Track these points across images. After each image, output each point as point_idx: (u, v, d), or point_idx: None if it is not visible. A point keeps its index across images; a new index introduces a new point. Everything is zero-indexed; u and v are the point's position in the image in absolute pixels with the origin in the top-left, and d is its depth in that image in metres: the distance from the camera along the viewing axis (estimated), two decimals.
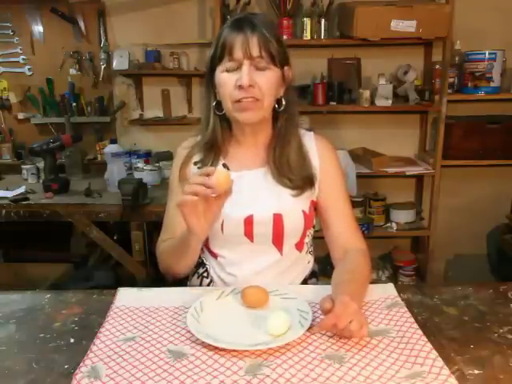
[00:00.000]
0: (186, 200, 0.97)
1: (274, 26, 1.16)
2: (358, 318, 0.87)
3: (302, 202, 1.18)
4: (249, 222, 1.16)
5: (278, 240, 1.18)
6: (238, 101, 1.10)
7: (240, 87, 1.08)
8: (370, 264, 1.16)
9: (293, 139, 1.19)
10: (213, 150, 1.21)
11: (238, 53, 1.07)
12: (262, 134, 1.21)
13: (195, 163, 1.23)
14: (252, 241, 1.17)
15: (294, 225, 1.18)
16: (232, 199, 1.16)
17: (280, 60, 1.12)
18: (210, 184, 0.94)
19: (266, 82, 1.10)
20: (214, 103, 1.17)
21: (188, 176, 1.22)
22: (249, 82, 1.07)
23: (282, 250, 1.20)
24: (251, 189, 1.18)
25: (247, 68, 1.08)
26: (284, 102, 1.17)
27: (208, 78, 1.17)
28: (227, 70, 1.10)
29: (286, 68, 1.15)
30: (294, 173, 1.17)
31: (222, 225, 1.16)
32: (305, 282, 1.27)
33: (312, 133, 1.25)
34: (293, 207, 1.17)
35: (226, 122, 1.20)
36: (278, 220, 1.16)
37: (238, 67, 1.09)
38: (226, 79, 1.10)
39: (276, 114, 1.19)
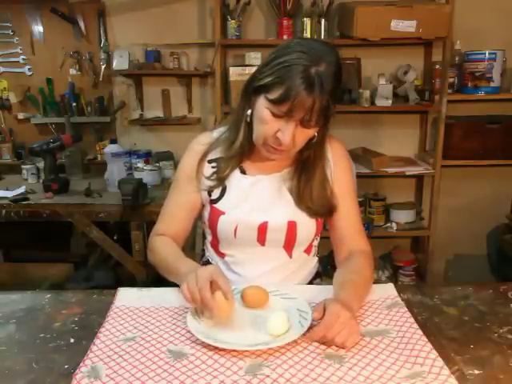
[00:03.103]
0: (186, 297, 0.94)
1: (339, 80, 1.02)
2: (348, 328, 0.87)
3: None
4: (263, 229, 1.15)
5: (289, 245, 1.18)
6: (271, 146, 1.06)
7: (277, 139, 1.03)
8: (373, 266, 1.15)
9: (318, 170, 1.16)
10: (235, 157, 1.16)
11: (297, 114, 0.99)
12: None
13: (209, 161, 1.20)
14: (263, 245, 1.17)
15: (306, 232, 1.18)
16: (247, 204, 1.14)
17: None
18: (211, 307, 0.91)
19: (303, 137, 1.05)
20: (249, 112, 1.09)
21: (201, 173, 1.19)
22: (289, 142, 1.02)
23: (291, 254, 1.20)
24: (267, 195, 1.16)
25: (293, 127, 1.01)
26: (316, 135, 1.10)
27: (249, 89, 1.07)
28: (273, 113, 1.01)
29: None
30: (314, 203, 1.15)
31: (236, 229, 1.15)
32: (310, 283, 1.27)
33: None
34: (307, 215, 1.16)
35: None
36: (291, 227, 1.15)
37: (286, 118, 1.00)
38: (268, 121, 1.02)
39: None
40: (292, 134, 1.02)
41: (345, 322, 0.87)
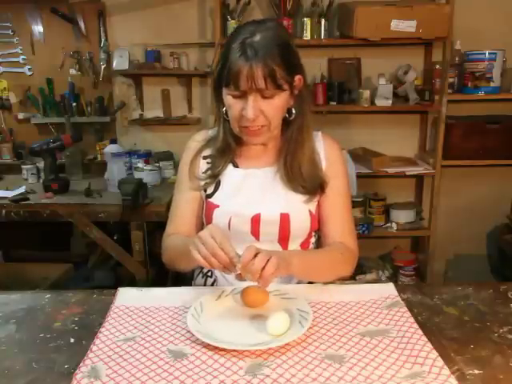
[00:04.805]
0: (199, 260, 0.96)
1: (281, 45, 1.06)
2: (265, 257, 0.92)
3: (309, 203, 1.19)
4: (256, 221, 1.16)
5: (283, 239, 1.18)
6: (245, 127, 1.10)
7: (244, 117, 1.07)
8: (351, 262, 1.18)
9: (306, 146, 1.17)
10: (225, 154, 1.20)
11: (244, 85, 1.03)
12: (271, 140, 1.20)
13: (204, 157, 1.24)
14: (258, 239, 1.18)
15: (300, 225, 1.18)
16: (240, 197, 1.17)
17: (288, 81, 1.07)
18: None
19: (271, 109, 1.08)
20: (224, 109, 1.15)
21: (197, 169, 1.23)
22: (254, 115, 1.06)
23: (287, 249, 1.20)
24: (260, 187, 1.18)
25: (252, 101, 1.05)
26: (294, 111, 1.15)
27: (216, 86, 1.13)
28: (233, 96, 1.07)
29: (296, 77, 1.11)
30: (306, 180, 1.17)
31: (230, 222, 1.17)
32: (310, 282, 1.26)
33: (320, 133, 1.24)
34: (300, 207, 1.18)
35: None
36: (284, 219, 1.16)
37: (244, 96, 1.06)
38: (231, 104, 1.08)
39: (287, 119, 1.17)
40: (253, 107, 1.05)
41: (264, 255, 0.92)
